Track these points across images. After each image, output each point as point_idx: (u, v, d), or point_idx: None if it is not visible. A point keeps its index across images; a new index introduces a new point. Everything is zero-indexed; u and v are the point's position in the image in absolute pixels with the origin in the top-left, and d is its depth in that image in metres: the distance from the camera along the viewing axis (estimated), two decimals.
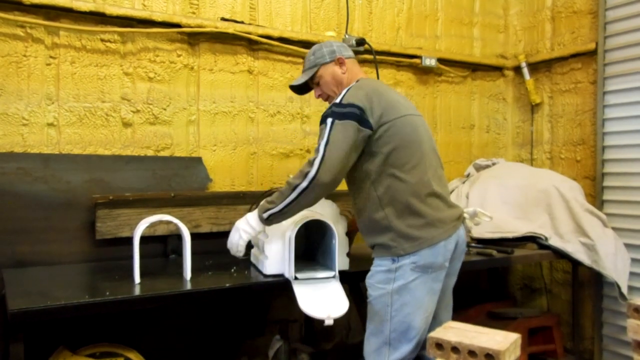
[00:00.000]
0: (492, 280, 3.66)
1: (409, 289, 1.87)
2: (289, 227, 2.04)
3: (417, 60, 3.38)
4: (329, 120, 1.87)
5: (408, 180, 1.88)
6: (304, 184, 1.83)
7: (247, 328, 2.79)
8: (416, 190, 1.88)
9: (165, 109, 2.67)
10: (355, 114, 1.86)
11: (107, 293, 1.78)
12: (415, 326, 1.86)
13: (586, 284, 3.26)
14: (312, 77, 2.11)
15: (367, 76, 2.13)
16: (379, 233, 1.92)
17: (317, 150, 1.85)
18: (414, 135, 1.94)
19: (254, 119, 2.91)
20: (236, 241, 1.99)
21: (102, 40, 2.51)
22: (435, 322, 1.95)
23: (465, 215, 2.09)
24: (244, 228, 1.97)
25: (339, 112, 1.87)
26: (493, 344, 1.70)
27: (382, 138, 1.88)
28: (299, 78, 2.16)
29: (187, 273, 2.04)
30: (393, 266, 1.88)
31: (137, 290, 1.85)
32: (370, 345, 1.93)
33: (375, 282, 1.92)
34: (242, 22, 2.82)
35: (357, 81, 2.01)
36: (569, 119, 3.47)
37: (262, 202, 1.95)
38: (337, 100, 1.92)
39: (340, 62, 2.08)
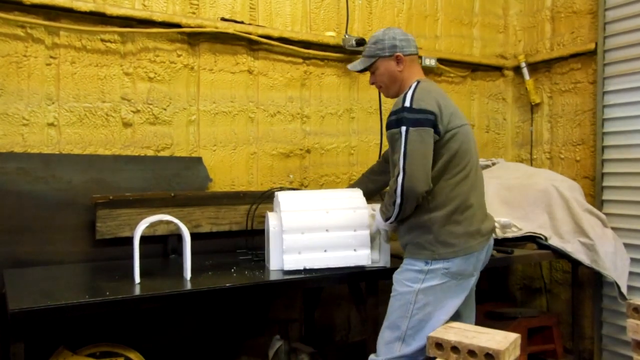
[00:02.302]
0: (492, 280, 3.66)
1: (434, 291, 1.90)
2: None
3: None
4: (403, 128, 1.84)
5: (458, 188, 1.91)
6: (398, 200, 1.86)
7: (247, 328, 2.79)
8: (463, 199, 1.92)
9: (165, 109, 2.67)
10: (431, 121, 1.86)
11: (107, 293, 1.78)
12: (432, 326, 1.89)
13: (586, 283, 3.26)
14: (370, 66, 2.10)
15: (425, 77, 2.12)
16: (419, 233, 1.94)
17: (397, 163, 1.84)
18: (469, 145, 1.97)
19: (254, 119, 2.91)
20: (378, 231, 2.13)
21: (102, 40, 2.52)
22: (459, 320, 2.01)
23: (496, 224, 2.11)
24: (384, 227, 2.08)
25: (412, 119, 1.84)
26: (493, 344, 1.70)
27: (445, 144, 1.90)
28: (357, 63, 2.15)
29: (187, 273, 2.04)
30: (425, 268, 1.91)
31: (137, 290, 1.85)
32: (383, 337, 1.97)
33: (404, 278, 1.95)
34: (242, 22, 2.82)
35: (418, 82, 1.98)
36: (569, 119, 3.48)
37: (382, 208, 2.01)
38: (407, 104, 1.88)
39: (398, 60, 2.04)
